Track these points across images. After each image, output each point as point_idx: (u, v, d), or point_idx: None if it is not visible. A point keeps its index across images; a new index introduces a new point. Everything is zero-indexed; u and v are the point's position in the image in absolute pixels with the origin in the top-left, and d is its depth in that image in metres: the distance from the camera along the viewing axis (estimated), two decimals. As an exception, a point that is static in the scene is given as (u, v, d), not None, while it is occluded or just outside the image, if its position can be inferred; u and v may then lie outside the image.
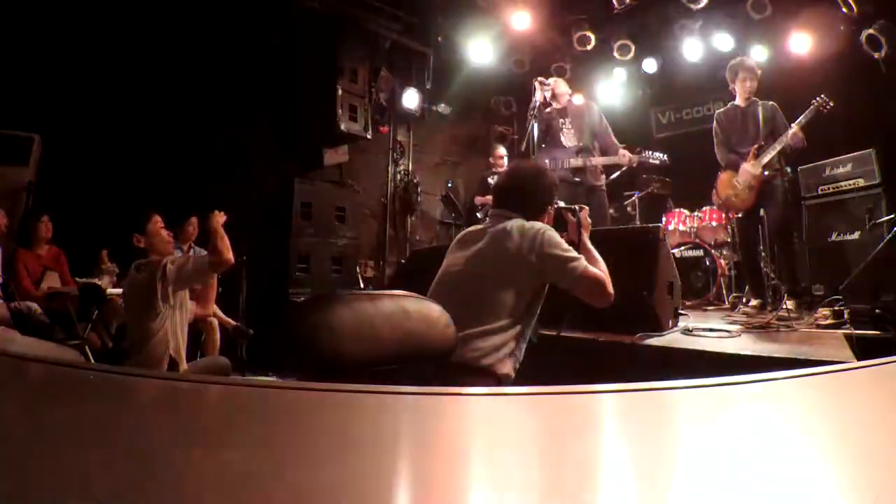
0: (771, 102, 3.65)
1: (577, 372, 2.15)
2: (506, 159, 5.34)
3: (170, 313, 2.17)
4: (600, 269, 1.70)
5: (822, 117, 3.54)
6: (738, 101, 3.73)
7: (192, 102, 4.58)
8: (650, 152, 4.15)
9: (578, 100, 4.32)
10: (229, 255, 2.22)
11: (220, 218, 2.28)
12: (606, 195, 4.28)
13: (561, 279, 1.65)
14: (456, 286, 1.67)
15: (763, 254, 3.97)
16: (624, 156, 4.02)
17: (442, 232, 6.48)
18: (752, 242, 3.80)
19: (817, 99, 3.47)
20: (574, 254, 1.66)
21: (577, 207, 1.93)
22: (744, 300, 3.87)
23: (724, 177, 3.73)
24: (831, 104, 3.45)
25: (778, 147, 3.48)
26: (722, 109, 3.84)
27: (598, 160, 4.07)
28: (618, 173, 4.65)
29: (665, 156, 4.17)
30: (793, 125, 3.46)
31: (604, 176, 4.19)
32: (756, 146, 3.55)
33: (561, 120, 4.18)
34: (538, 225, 1.68)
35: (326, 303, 0.88)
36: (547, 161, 4.01)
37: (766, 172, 3.52)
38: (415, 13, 5.79)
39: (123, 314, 2.31)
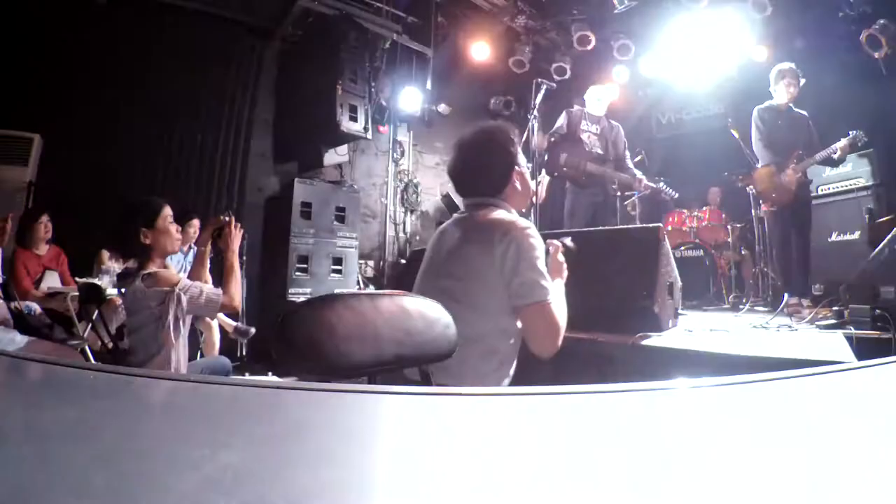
0: (804, 112, 3.68)
1: (578, 372, 2.15)
2: None
3: (174, 335, 2.11)
4: (563, 316, 1.48)
5: (824, 117, 3.54)
6: (778, 103, 3.71)
7: (191, 102, 4.57)
8: (665, 185, 4.24)
9: (611, 117, 4.37)
10: (239, 301, 2.22)
11: (238, 239, 2.23)
12: (616, 205, 4.34)
13: (518, 297, 1.42)
14: (446, 285, 1.60)
15: (763, 253, 3.97)
16: (640, 181, 4.09)
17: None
18: (786, 238, 3.77)
19: (854, 133, 3.49)
20: (548, 280, 1.46)
21: (558, 242, 1.72)
22: (744, 300, 3.87)
23: (763, 171, 3.72)
24: (866, 139, 3.51)
25: (819, 159, 3.54)
26: (762, 107, 3.79)
27: (618, 175, 4.11)
28: (630, 195, 4.70)
29: (676, 194, 4.28)
30: (843, 140, 3.48)
31: (615, 187, 4.23)
32: (797, 153, 3.58)
33: (588, 122, 4.18)
34: (522, 223, 1.51)
35: (326, 303, 0.88)
36: (565, 155, 4.03)
37: (799, 175, 3.57)
38: (415, 13, 5.79)
39: (125, 319, 2.25)
